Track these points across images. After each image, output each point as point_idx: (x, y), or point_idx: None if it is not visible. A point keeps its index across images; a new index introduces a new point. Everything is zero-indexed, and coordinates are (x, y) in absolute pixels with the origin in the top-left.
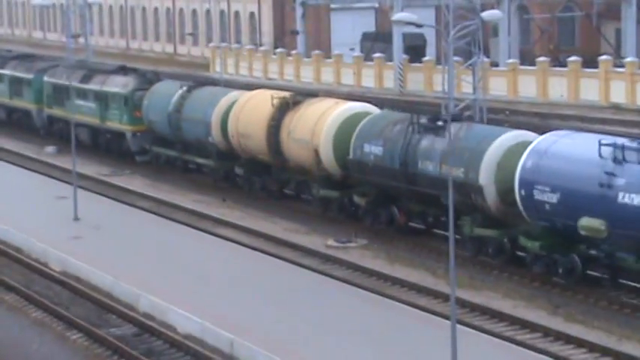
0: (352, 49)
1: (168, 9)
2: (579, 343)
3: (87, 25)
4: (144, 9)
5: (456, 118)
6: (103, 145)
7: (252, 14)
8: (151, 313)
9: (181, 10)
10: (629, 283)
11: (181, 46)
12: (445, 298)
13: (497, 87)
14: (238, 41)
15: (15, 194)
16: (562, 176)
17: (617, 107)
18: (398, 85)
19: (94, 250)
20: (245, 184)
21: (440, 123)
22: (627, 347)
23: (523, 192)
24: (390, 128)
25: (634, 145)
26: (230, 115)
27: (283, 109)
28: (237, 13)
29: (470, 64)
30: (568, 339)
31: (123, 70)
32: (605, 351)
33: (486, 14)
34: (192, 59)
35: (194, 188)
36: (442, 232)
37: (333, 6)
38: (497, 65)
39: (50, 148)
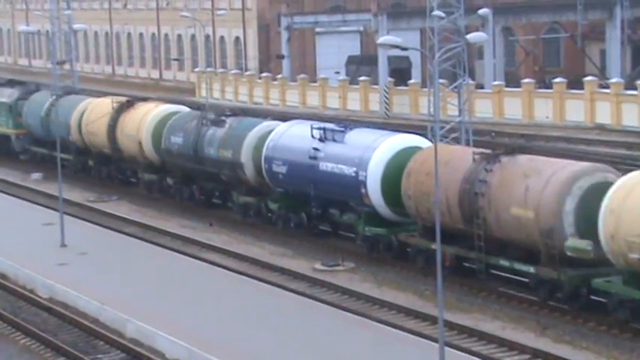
0: (338, 73)
1: (153, 34)
2: None
3: (72, 52)
4: (129, 35)
5: (235, 113)
6: None
7: (237, 39)
8: (138, 338)
9: (166, 35)
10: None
11: (167, 71)
12: (433, 320)
13: (483, 109)
14: (224, 66)
15: (0, 221)
16: (288, 152)
17: (602, 128)
18: (384, 108)
19: (80, 276)
20: (95, 174)
21: (222, 118)
22: None
23: (267, 166)
24: (189, 123)
25: (332, 127)
26: (83, 117)
27: (119, 111)
28: (222, 38)
29: (455, 87)
30: None
31: (10, 83)
32: None
33: (471, 36)
34: (177, 84)
35: (180, 213)
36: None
37: (318, 30)
38: (482, 87)
39: (36, 175)
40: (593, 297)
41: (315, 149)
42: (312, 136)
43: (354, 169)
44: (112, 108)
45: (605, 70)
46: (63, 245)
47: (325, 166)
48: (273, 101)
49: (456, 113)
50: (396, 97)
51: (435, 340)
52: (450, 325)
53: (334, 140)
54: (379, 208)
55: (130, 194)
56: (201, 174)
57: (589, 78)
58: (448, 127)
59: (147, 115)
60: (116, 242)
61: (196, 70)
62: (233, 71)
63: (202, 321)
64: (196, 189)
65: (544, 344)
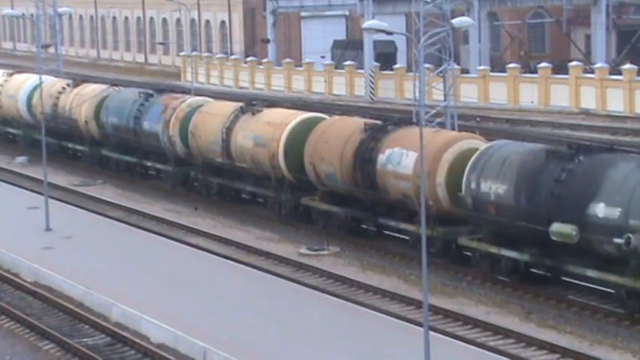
0: (323, 57)
1: (138, 18)
2: (552, 348)
3: (57, 35)
4: (114, 18)
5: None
6: None
7: (222, 23)
8: (123, 322)
9: (152, 19)
10: (599, 288)
11: (152, 55)
12: (418, 304)
13: (468, 94)
14: (209, 50)
15: None
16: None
17: (587, 113)
18: (369, 93)
19: (65, 260)
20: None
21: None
22: (599, 352)
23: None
24: None
25: None
26: None
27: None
28: (207, 22)
29: (440, 71)
30: (541, 345)
31: None
32: (577, 356)
33: (456, 21)
34: (163, 68)
35: (165, 197)
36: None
37: (303, 14)
38: (467, 72)
39: (21, 158)
40: None
41: None
42: None
43: None
44: None
45: (590, 55)
46: (48, 229)
47: None
48: (258, 85)
49: (442, 98)
50: (382, 82)
51: (419, 325)
52: (435, 310)
53: None
54: None
55: (115, 178)
56: None
57: (574, 63)
58: (433, 111)
59: None
60: (101, 226)
61: (182, 54)
62: (218, 55)
63: (188, 305)
64: None
65: (528, 329)
